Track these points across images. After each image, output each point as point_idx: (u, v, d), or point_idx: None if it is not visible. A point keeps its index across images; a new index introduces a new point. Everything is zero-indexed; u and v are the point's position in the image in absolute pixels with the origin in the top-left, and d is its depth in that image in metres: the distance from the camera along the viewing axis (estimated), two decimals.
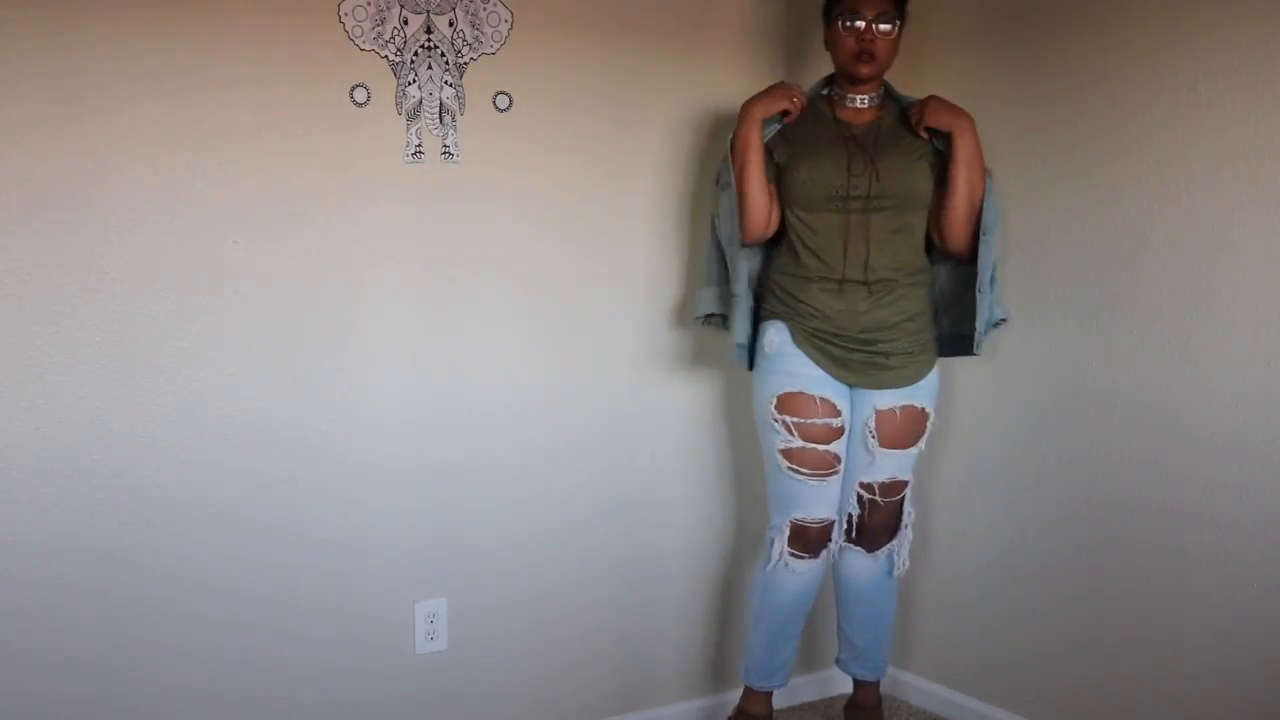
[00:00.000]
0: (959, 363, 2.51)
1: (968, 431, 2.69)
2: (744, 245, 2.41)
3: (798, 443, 2.35)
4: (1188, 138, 2.22)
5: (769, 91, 2.37)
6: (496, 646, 2.50)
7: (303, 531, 2.27)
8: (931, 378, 2.43)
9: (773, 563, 2.42)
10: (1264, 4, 2.08)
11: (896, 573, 2.56)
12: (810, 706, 2.82)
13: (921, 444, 2.45)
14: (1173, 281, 2.26)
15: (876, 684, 2.67)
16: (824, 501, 2.39)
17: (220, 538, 2.20)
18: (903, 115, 2.40)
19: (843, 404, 2.38)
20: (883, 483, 2.44)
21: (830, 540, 2.44)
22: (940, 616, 2.83)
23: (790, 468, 2.37)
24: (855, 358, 2.36)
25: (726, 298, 2.45)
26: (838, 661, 2.68)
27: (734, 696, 2.80)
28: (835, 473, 2.39)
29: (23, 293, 2.00)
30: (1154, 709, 2.36)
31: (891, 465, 2.43)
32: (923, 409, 2.42)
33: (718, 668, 2.80)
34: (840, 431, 2.38)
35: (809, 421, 2.35)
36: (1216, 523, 2.22)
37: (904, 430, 2.41)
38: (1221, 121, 2.16)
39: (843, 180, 2.33)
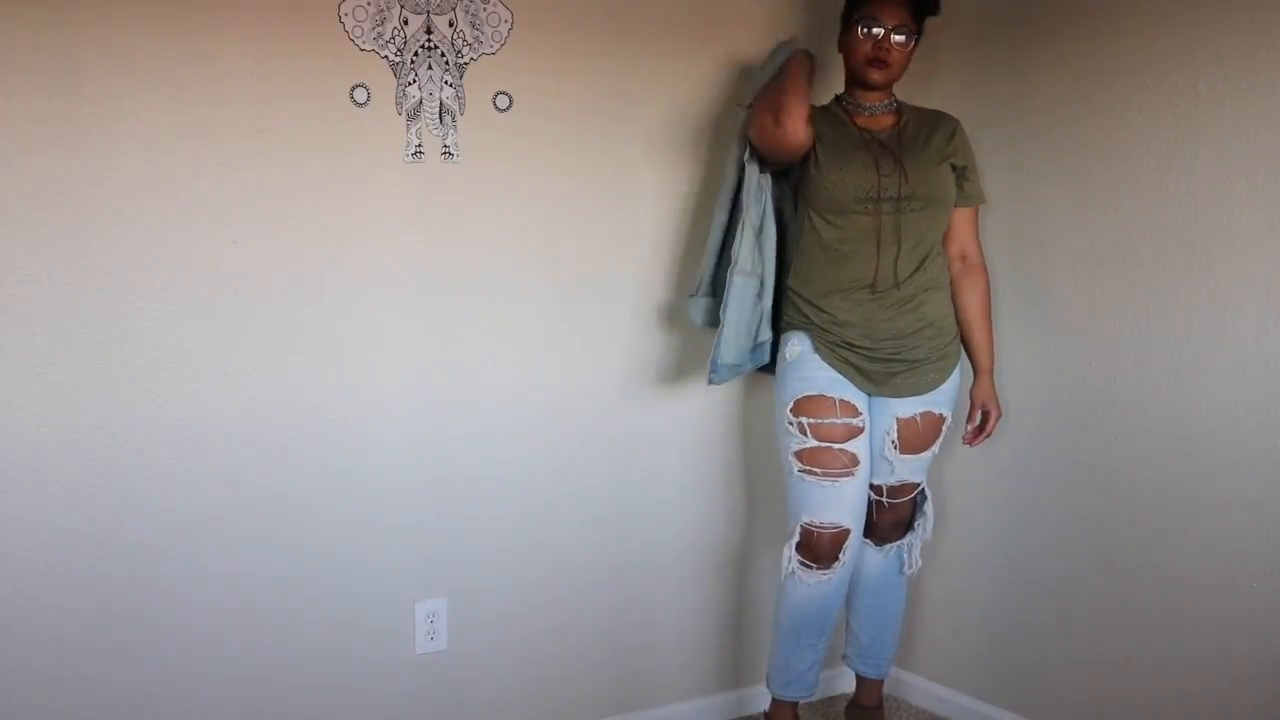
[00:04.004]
0: (962, 366, 2.50)
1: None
2: (768, 157, 2.33)
3: (811, 443, 2.31)
4: (1188, 138, 2.22)
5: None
6: (497, 646, 2.50)
7: (303, 531, 2.27)
8: (949, 384, 2.41)
9: (784, 572, 2.37)
10: (1265, 4, 2.08)
11: (907, 571, 2.56)
12: (811, 706, 2.82)
13: (935, 448, 2.44)
14: (1173, 282, 2.26)
15: (879, 683, 2.67)
16: (835, 505, 2.30)
17: (220, 536, 2.20)
18: (918, 119, 2.39)
19: (863, 406, 2.35)
20: (892, 485, 2.44)
21: (843, 553, 2.32)
22: (942, 616, 2.83)
23: (802, 469, 2.32)
24: (876, 367, 2.34)
25: (715, 311, 2.43)
26: (844, 657, 2.68)
27: (734, 697, 2.82)
28: (850, 474, 2.31)
29: (23, 293, 2.00)
30: (1154, 709, 2.36)
31: (905, 470, 2.43)
32: (940, 415, 2.42)
33: (720, 669, 2.80)
34: (859, 431, 2.33)
35: (825, 422, 2.31)
36: (1216, 522, 2.22)
37: (923, 436, 2.41)
38: (1222, 122, 2.16)
39: (873, 181, 2.30)
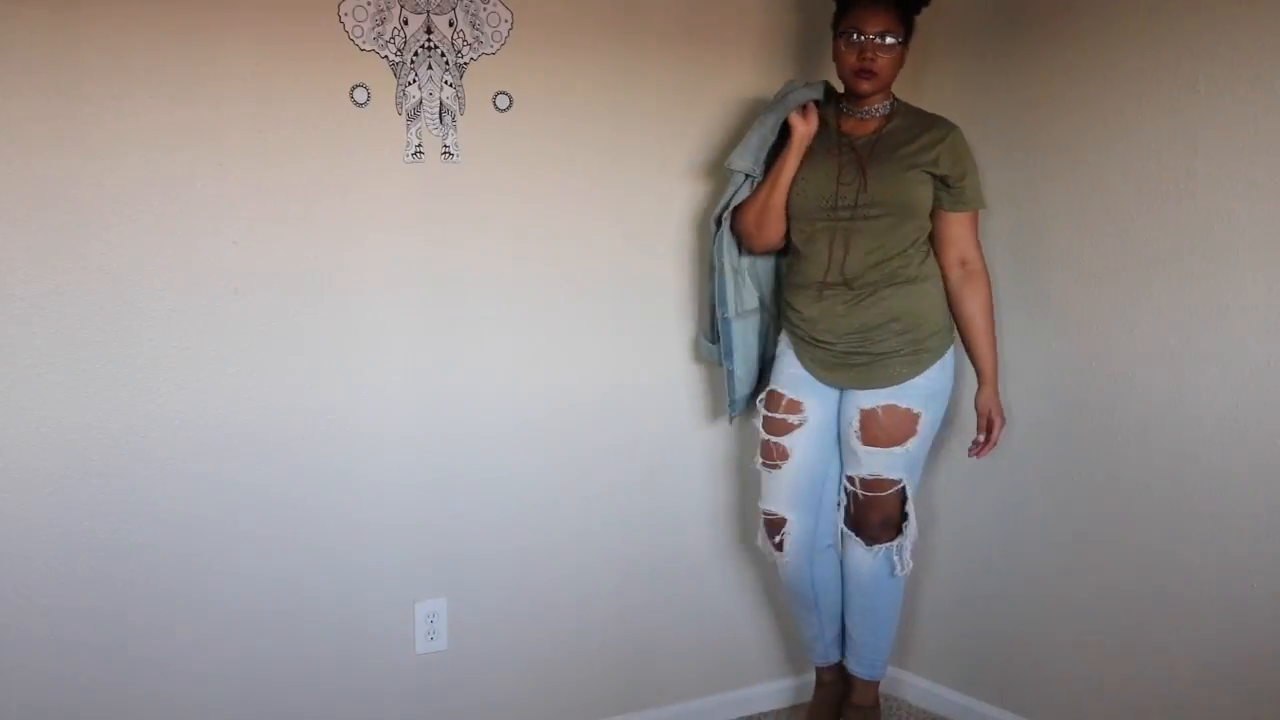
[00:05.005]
0: (961, 366, 2.50)
1: (969, 432, 2.68)
2: (751, 253, 2.52)
3: (763, 434, 2.50)
4: (1188, 137, 2.22)
5: (809, 119, 2.40)
6: (497, 646, 2.50)
7: (303, 531, 2.27)
8: (924, 380, 2.41)
9: (764, 552, 2.58)
10: (1264, 3, 2.08)
11: (899, 573, 2.56)
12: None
13: (910, 445, 2.42)
14: (1172, 282, 2.26)
15: (874, 684, 2.66)
16: (773, 493, 2.49)
17: (220, 536, 2.20)
18: (907, 124, 2.40)
19: (811, 403, 2.45)
20: (864, 478, 2.45)
21: (779, 538, 2.48)
22: (940, 615, 2.83)
23: (757, 457, 2.53)
24: (838, 360, 2.42)
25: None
26: (841, 656, 2.68)
27: (737, 696, 2.82)
28: (777, 466, 2.46)
29: (23, 293, 2.00)
30: (1153, 709, 2.36)
31: (875, 463, 2.43)
32: (908, 409, 2.40)
33: (720, 668, 2.80)
34: (794, 427, 2.45)
35: (773, 416, 2.48)
36: (1216, 522, 2.22)
37: (887, 429, 2.41)
38: (1222, 121, 2.16)
39: (831, 190, 2.38)
